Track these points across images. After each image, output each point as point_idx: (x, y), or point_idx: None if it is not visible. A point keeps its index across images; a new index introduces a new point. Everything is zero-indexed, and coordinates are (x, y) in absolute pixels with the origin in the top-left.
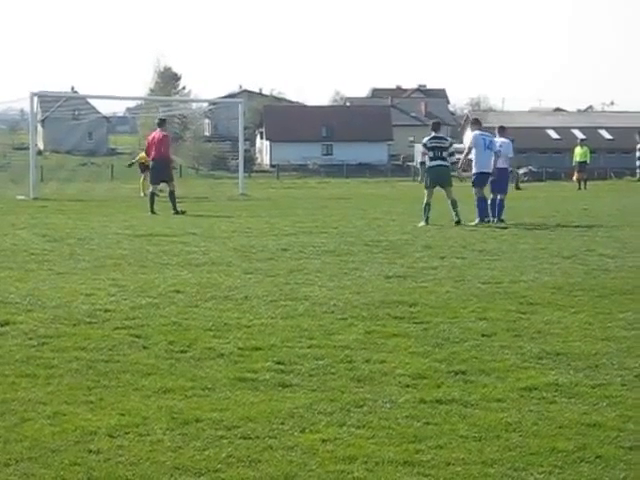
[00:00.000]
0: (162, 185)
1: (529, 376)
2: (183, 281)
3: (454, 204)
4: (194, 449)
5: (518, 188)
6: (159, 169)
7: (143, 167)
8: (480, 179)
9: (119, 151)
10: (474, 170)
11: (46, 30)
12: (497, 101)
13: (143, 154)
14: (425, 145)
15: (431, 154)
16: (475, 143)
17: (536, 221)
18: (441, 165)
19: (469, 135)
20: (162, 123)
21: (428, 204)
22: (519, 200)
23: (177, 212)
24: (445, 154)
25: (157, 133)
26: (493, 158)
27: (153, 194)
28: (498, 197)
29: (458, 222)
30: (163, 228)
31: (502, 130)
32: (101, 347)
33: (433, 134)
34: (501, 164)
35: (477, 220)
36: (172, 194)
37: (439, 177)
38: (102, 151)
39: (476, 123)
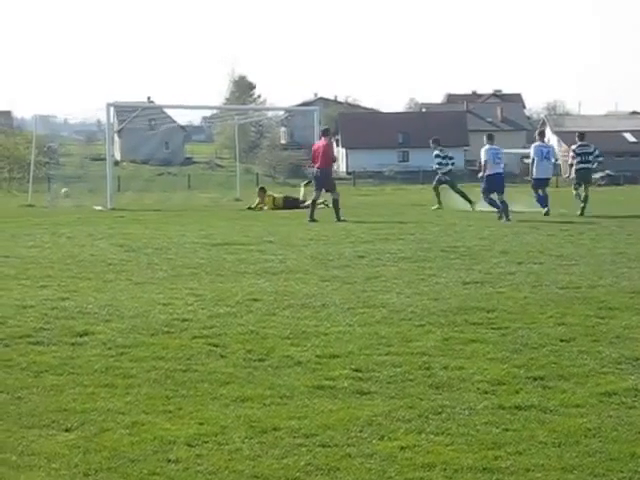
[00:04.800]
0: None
1: (608, 381)
2: (260, 289)
3: (586, 199)
4: (273, 457)
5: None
6: (323, 178)
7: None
8: (538, 183)
9: (195, 160)
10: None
11: (122, 41)
12: (573, 105)
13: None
14: (574, 151)
15: (579, 159)
16: (535, 152)
17: (614, 224)
18: (587, 168)
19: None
20: (326, 132)
21: (579, 194)
22: (597, 204)
23: (339, 219)
24: (591, 158)
25: (321, 142)
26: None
27: (315, 202)
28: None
29: (582, 214)
30: (240, 237)
31: (490, 138)
32: (179, 356)
33: (579, 142)
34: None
35: (545, 209)
36: (336, 202)
37: (584, 177)
38: (178, 160)
39: (540, 135)
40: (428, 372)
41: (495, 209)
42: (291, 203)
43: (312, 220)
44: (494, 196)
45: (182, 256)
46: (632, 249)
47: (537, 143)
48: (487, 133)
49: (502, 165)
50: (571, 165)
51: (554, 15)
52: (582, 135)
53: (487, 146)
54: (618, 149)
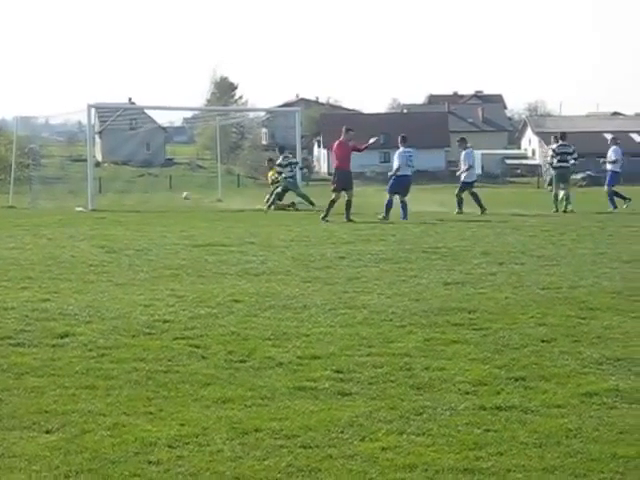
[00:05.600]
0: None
1: (589, 382)
2: (242, 291)
3: (567, 197)
4: (254, 459)
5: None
6: (341, 177)
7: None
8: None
9: (176, 161)
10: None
11: (103, 41)
12: (555, 105)
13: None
14: (554, 150)
15: (558, 157)
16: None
17: (595, 225)
18: (565, 167)
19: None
20: (346, 132)
21: (556, 195)
22: (580, 204)
23: (349, 220)
24: (569, 157)
25: (338, 141)
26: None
27: (333, 202)
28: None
29: (571, 211)
30: (221, 238)
31: (404, 140)
32: (160, 358)
33: (560, 142)
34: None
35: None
36: (349, 203)
37: (563, 176)
38: (159, 161)
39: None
40: (409, 373)
41: (384, 212)
42: None
43: (325, 219)
44: (396, 197)
45: (163, 257)
46: (613, 249)
47: (469, 150)
48: (401, 135)
49: (412, 168)
50: (550, 164)
51: (535, 15)
52: (564, 135)
53: (401, 149)
54: (599, 150)
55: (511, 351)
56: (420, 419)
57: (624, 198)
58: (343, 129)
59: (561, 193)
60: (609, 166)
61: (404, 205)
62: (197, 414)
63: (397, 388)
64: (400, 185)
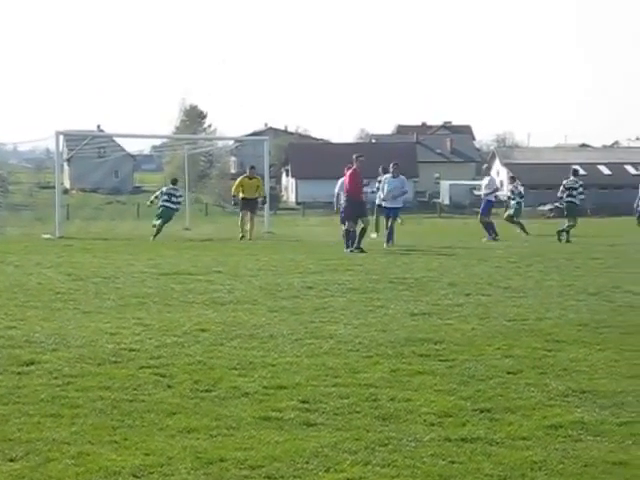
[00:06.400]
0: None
1: (555, 414)
2: (208, 320)
3: (570, 227)
4: None
5: None
6: (355, 206)
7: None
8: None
9: (145, 189)
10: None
11: (71, 69)
12: (523, 136)
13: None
14: (564, 185)
15: (567, 192)
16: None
17: (562, 257)
18: (572, 202)
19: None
20: (357, 159)
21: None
22: (546, 237)
23: (361, 249)
24: (574, 192)
25: (351, 170)
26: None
27: (348, 231)
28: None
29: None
30: (188, 266)
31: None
32: (126, 386)
33: (572, 177)
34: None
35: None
36: (363, 231)
37: (571, 210)
38: (128, 189)
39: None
40: (375, 404)
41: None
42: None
43: (360, 250)
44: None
45: (130, 285)
46: (580, 281)
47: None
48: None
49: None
50: (560, 198)
51: (503, 47)
52: (576, 171)
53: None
54: None
55: (477, 382)
56: (385, 450)
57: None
58: (354, 157)
59: (565, 224)
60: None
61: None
62: (162, 443)
63: (363, 419)
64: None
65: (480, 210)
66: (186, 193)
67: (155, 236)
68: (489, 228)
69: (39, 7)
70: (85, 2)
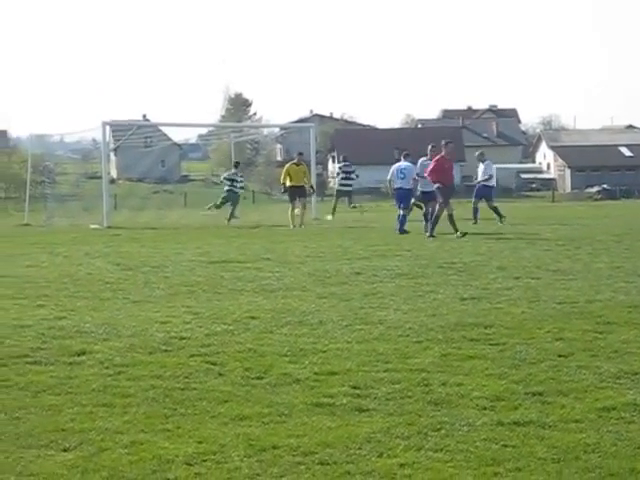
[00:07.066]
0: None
1: (607, 396)
2: (258, 307)
3: None
4: (272, 476)
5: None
6: (446, 191)
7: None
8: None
9: (192, 178)
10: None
11: (117, 59)
12: (569, 119)
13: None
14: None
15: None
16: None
17: (611, 239)
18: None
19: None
20: (446, 145)
21: None
22: (593, 219)
23: (460, 233)
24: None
25: (439, 156)
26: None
27: (451, 215)
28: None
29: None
30: (237, 254)
31: (407, 156)
32: (177, 375)
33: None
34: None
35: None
36: (451, 217)
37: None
38: (174, 178)
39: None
40: (426, 388)
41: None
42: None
43: (432, 236)
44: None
45: (179, 274)
46: (629, 263)
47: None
48: (404, 152)
49: (406, 180)
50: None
51: (549, 30)
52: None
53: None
54: (614, 163)
55: (528, 366)
56: (438, 435)
57: (499, 215)
58: (442, 143)
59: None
60: (487, 182)
61: (404, 217)
62: (214, 431)
63: (414, 404)
64: (397, 198)
65: (476, 197)
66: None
67: (229, 220)
68: (496, 212)
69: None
70: None
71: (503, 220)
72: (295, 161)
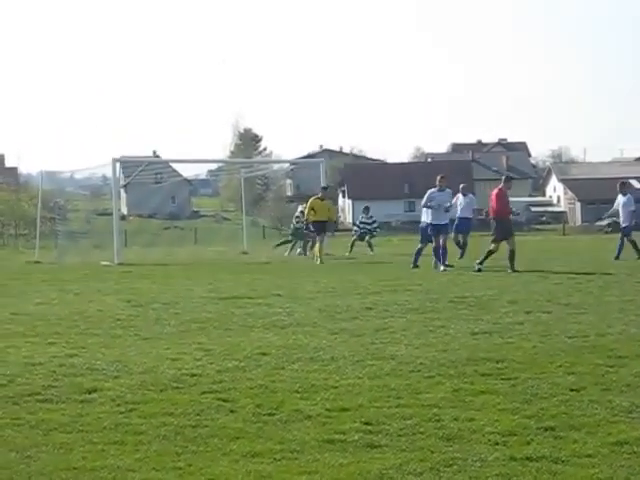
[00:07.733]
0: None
1: (620, 430)
2: (269, 343)
3: None
4: None
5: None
6: (502, 226)
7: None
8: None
9: (202, 214)
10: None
11: (127, 96)
12: (579, 152)
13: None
14: None
15: None
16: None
17: (622, 272)
18: None
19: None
20: (506, 181)
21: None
22: (604, 252)
23: (515, 270)
24: None
25: (496, 189)
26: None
27: (491, 252)
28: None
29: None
30: (247, 290)
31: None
32: (188, 412)
33: None
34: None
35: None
36: (512, 253)
37: None
38: (185, 214)
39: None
40: (438, 424)
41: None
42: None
43: (479, 269)
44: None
45: (190, 311)
46: None
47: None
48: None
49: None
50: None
51: (557, 63)
52: None
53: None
54: None
55: (540, 401)
56: (450, 471)
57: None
58: (503, 178)
59: None
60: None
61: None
62: (226, 468)
63: (427, 439)
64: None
65: (458, 230)
66: (243, 216)
67: (281, 246)
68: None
69: (89, 36)
70: (139, 30)
71: (464, 256)
72: (319, 195)
